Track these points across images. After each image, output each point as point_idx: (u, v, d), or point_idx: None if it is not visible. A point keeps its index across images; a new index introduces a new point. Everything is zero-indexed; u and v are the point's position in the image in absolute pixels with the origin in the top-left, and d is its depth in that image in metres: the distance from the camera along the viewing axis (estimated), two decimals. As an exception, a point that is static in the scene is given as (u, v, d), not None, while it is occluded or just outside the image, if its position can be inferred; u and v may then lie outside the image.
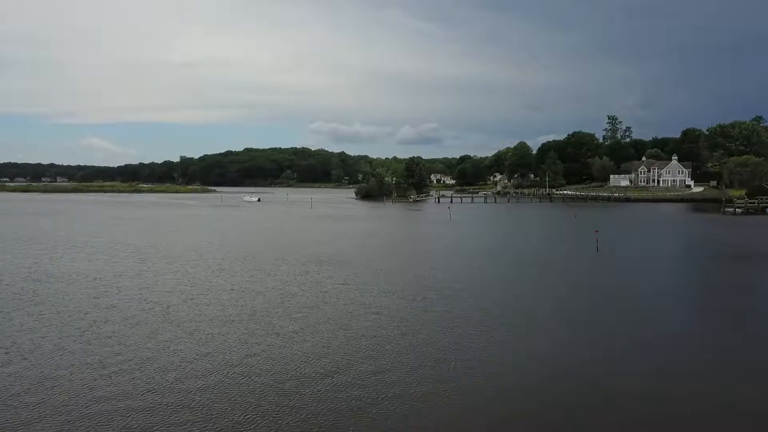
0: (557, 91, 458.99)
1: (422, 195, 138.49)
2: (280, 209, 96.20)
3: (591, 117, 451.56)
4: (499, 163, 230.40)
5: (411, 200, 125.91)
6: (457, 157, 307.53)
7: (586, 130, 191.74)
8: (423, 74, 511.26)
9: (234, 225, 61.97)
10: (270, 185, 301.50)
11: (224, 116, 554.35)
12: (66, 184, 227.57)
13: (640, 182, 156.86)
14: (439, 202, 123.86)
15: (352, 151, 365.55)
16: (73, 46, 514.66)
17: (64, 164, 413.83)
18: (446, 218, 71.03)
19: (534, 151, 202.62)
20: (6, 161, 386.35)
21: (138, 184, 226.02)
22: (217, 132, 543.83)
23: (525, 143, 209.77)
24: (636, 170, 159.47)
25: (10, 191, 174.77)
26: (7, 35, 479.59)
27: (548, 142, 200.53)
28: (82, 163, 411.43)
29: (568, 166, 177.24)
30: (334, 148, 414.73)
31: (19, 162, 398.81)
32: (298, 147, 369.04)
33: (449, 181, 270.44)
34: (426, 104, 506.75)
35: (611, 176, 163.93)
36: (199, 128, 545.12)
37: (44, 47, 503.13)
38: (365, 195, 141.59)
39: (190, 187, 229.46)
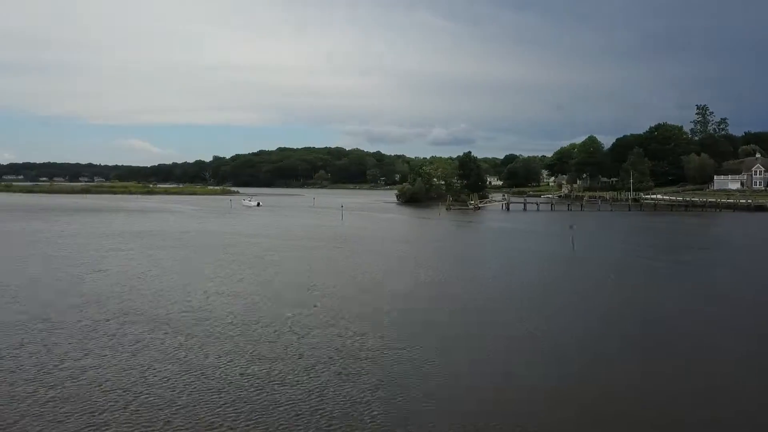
0: (586, 91, 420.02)
1: (485, 200, 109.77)
2: (289, 224, 69.01)
3: (623, 116, 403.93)
4: (561, 162, 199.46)
5: (472, 207, 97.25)
6: (500, 157, 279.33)
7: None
8: (451, 75, 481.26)
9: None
10: (302, 186, 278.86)
11: (260, 118, 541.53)
12: (76, 184, 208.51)
13: (756, 185, 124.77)
14: (508, 209, 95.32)
15: (386, 152, 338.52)
16: (114, 50, 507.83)
17: (102, 164, 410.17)
18: (567, 247, 42.02)
19: (605, 148, 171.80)
20: (47, 161, 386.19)
21: (155, 184, 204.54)
22: (253, 133, 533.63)
23: (595, 138, 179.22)
24: (749, 170, 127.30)
25: (16, 192, 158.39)
26: (47, 39, 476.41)
27: (625, 136, 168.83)
28: (120, 163, 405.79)
29: (653, 165, 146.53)
30: (369, 149, 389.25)
31: (58, 162, 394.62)
32: (332, 147, 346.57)
33: (496, 181, 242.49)
34: (456, 105, 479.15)
35: (715, 177, 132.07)
36: (236, 130, 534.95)
37: (89, 50, 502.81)
38: (409, 198, 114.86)
39: (210, 188, 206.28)
